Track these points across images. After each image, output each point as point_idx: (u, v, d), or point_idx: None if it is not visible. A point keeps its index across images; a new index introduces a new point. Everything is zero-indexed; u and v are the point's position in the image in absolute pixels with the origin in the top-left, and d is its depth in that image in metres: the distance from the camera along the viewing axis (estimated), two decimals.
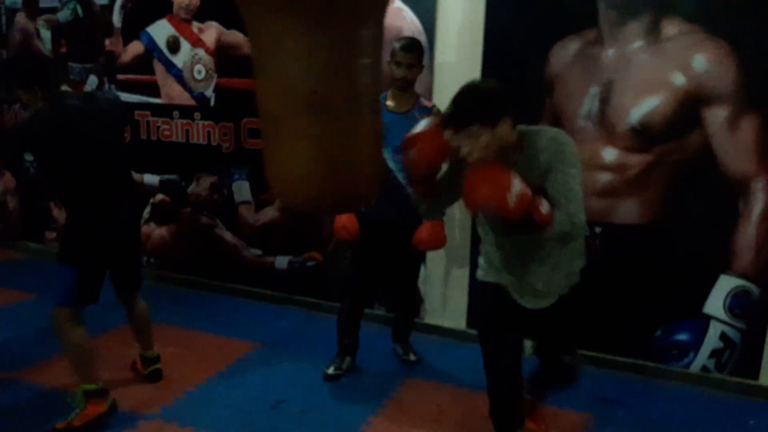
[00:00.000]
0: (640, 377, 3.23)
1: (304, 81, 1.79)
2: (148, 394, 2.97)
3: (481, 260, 2.26)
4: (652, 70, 2.97)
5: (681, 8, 2.91)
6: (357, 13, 1.81)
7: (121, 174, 2.79)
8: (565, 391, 2.57)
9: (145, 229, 4.48)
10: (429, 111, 2.98)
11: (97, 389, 2.67)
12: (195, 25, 4.08)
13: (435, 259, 3.63)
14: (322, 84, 1.78)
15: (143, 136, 4.35)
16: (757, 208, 2.92)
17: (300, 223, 3.99)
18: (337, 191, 1.92)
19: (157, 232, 4.51)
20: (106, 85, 4.48)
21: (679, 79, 2.93)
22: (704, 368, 3.13)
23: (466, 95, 1.88)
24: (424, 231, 2.95)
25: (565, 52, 3.15)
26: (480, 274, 2.25)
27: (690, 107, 2.93)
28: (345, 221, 2.99)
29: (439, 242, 3.02)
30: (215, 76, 4.08)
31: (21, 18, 4.81)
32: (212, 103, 4.11)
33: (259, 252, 4.19)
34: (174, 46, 4.14)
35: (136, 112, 4.32)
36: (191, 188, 4.32)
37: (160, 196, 4.42)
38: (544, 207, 1.79)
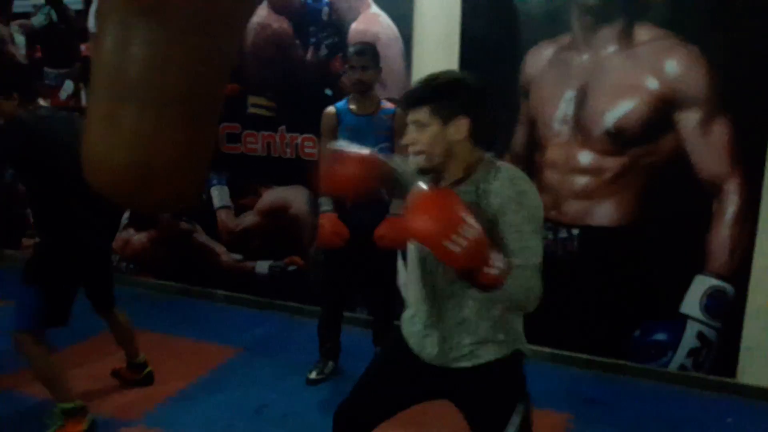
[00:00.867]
0: (620, 377, 3.28)
1: (123, 67, 1.87)
2: (130, 400, 2.96)
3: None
4: (626, 75, 3.02)
5: (653, 14, 2.96)
6: (200, 19, 1.88)
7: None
8: (544, 392, 2.59)
9: (123, 234, 4.45)
10: (393, 111, 3.02)
11: (75, 407, 2.60)
12: None
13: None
14: (145, 76, 1.85)
15: None
16: (730, 210, 2.98)
17: (281, 227, 3.99)
18: (133, 184, 1.97)
19: (136, 237, 4.47)
20: (83, 90, 4.44)
21: (652, 84, 2.98)
22: (682, 367, 3.19)
23: (429, 77, 1.60)
24: (383, 226, 2.90)
25: (540, 57, 3.19)
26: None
27: (663, 111, 2.98)
28: (334, 227, 2.93)
29: (399, 239, 2.89)
30: None
31: None
32: None
33: (239, 257, 4.18)
34: None
35: None
36: None
37: None
38: (496, 265, 1.38)
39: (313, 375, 3.20)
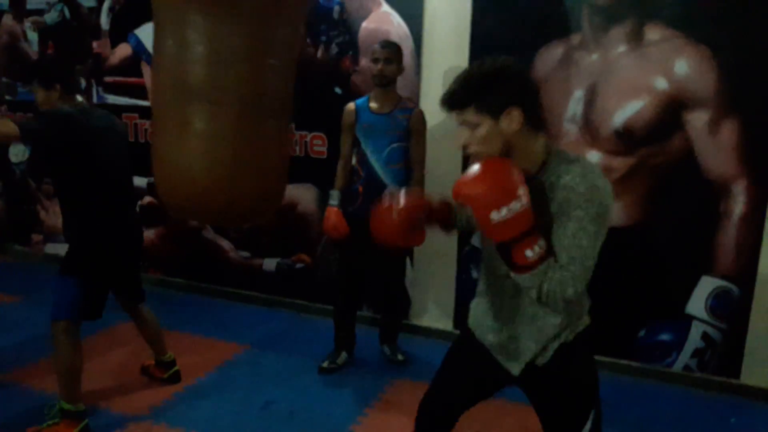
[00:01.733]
0: (624, 377, 3.28)
1: (197, 69, 1.75)
2: (138, 395, 2.98)
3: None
4: (635, 75, 3.03)
5: (663, 14, 2.97)
6: (265, 8, 1.77)
7: (129, 188, 2.80)
8: None
9: None
10: (411, 111, 3.07)
11: (75, 411, 2.60)
12: None
13: (422, 260, 3.66)
14: (214, 74, 1.72)
15: (131, 139, 4.35)
16: (737, 210, 2.98)
17: (288, 225, 4.01)
18: (221, 194, 1.82)
19: (145, 234, 4.49)
20: (94, 87, 4.47)
21: (661, 84, 2.99)
22: (687, 367, 3.19)
23: (466, 73, 1.49)
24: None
25: (550, 57, 3.20)
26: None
27: (672, 111, 2.99)
28: (334, 221, 3.04)
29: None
30: None
31: (8, 20, 4.80)
32: None
33: (247, 254, 4.20)
34: None
35: (124, 115, 4.32)
36: None
37: (147, 199, 4.42)
38: (534, 250, 1.39)
39: (325, 364, 3.25)
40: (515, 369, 1.66)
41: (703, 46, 2.91)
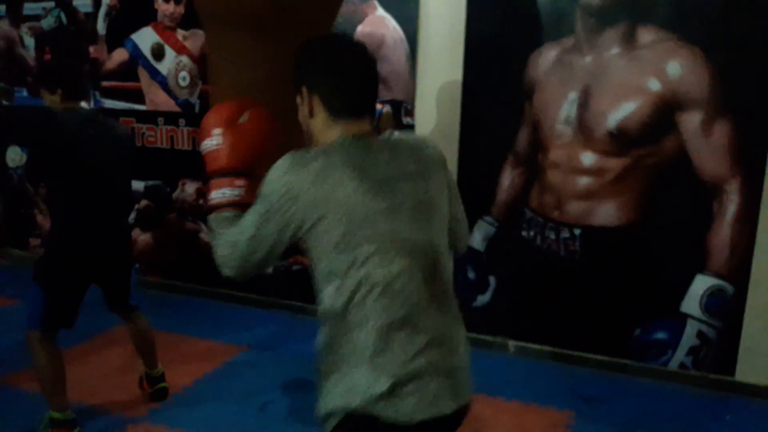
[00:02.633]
0: (621, 375, 3.30)
1: (250, 87, 1.89)
2: (136, 397, 2.99)
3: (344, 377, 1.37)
4: (629, 76, 3.06)
5: (656, 16, 3.00)
6: (300, 29, 1.93)
7: (119, 197, 2.72)
8: (546, 389, 2.62)
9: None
10: (379, 113, 3.09)
11: (64, 419, 2.56)
12: (179, 33, 4.11)
13: None
14: (265, 91, 1.86)
15: None
16: (730, 210, 3.01)
17: None
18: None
19: (142, 237, 4.52)
20: (91, 92, 4.49)
21: (654, 85, 3.02)
22: (682, 365, 3.21)
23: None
24: None
25: (544, 59, 3.23)
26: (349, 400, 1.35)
27: (665, 112, 3.01)
28: None
29: None
30: (200, 82, 4.11)
31: (4, 25, 4.81)
32: (197, 109, 4.14)
33: None
34: (158, 53, 4.17)
35: (122, 119, 4.33)
36: (176, 194, 4.34)
37: (144, 202, 4.43)
38: (223, 193, 1.45)
39: None
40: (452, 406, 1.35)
41: (695, 48, 2.94)
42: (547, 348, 3.43)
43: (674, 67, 2.99)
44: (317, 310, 1.42)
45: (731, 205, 3.01)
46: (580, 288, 3.31)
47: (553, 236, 3.30)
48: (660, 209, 3.12)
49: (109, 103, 4.41)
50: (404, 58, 3.49)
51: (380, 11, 3.53)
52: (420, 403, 1.29)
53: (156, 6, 4.12)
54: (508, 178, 3.38)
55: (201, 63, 4.07)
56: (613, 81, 3.09)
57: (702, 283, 3.11)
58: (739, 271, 3.04)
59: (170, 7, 4.09)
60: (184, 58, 4.11)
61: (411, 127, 3.54)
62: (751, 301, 3.05)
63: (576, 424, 2.85)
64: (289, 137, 1.64)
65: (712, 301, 3.10)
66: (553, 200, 3.26)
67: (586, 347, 3.37)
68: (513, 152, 3.34)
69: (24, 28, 4.73)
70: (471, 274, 3.55)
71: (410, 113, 3.55)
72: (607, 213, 3.20)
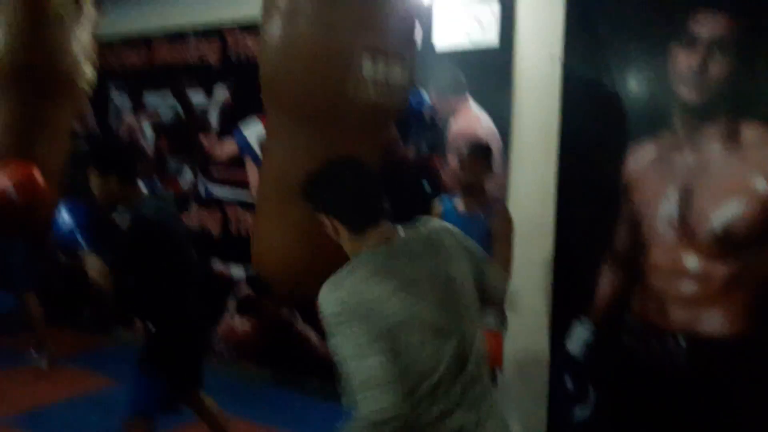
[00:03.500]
0: None
1: (293, 172, 2.02)
2: None
3: None
4: (733, 175, 2.93)
5: (761, 112, 2.88)
6: (350, 126, 2.06)
7: (197, 273, 2.81)
8: None
9: (229, 322, 4.64)
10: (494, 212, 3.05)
11: None
12: None
13: (509, 367, 3.49)
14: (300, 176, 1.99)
15: (233, 230, 4.60)
16: None
17: None
18: (311, 277, 1.98)
19: (240, 325, 4.65)
20: (200, 179, 4.80)
21: (762, 185, 2.87)
22: None
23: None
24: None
25: (641, 156, 3.16)
26: None
27: None
28: None
29: (495, 357, 2.70)
30: None
31: (128, 117, 5.28)
32: None
33: None
34: None
35: (227, 206, 4.59)
36: None
37: (245, 291, 4.59)
38: None
39: None
40: None
41: None
42: None
43: None
44: None
45: None
46: (688, 403, 3.07)
47: (656, 345, 3.12)
48: None
49: (217, 191, 4.68)
50: (497, 154, 3.52)
51: (473, 108, 3.60)
52: None
53: None
54: (606, 279, 3.26)
55: None
56: (717, 180, 2.96)
57: None
58: None
59: None
60: None
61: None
62: None
63: None
64: None
65: None
66: (655, 305, 3.10)
67: None
68: (611, 252, 3.24)
69: (145, 120, 5.17)
70: (569, 384, 3.38)
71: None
72: (716, 321, 2.99)
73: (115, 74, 5.22)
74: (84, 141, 4.89)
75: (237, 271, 4.60)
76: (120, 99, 5.32)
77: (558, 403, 3.43)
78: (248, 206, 4.52)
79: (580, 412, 3.34)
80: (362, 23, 2.09)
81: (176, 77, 4.91)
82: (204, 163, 4.79)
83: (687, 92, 3.02)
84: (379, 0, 2.17)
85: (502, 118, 3.52)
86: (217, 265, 4.68)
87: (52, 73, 2.97)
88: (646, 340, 3.15)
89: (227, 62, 4.61)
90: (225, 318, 4.62)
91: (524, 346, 3.51)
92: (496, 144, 3.52)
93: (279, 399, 4.25)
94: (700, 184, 3.00)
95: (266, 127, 2.27)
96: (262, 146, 4.31)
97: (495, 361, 2.76)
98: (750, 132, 2.91)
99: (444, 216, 3.09)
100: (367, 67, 2.06)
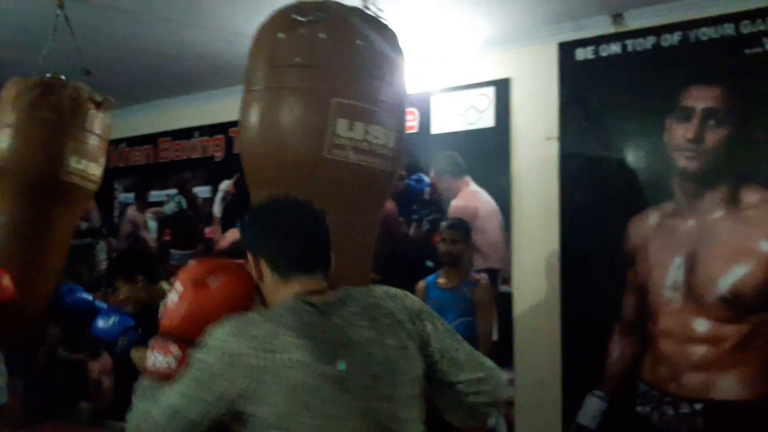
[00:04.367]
0: None
1: None
2: None
3: None
4: (737, 239, 2.94)
5: (759, 177, 2.94)
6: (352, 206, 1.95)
7: None
8: None
9: None
10: (477, 284, 3.14)
11: None
12: None
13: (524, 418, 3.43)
14: None
15: None
16: None
17: None
18: None
19: None
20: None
21: (766, 247, 2.88)
22: None
23: None
24: None
25: (643, 225, 3.19)
26: None
27: None
28: None
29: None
30: None
31: (132, 211, 5.35)
32: None
33: None
34: None
35: None
36: None
37: None
38: (157, 359, 1.38)
39: None
40: None
41: None
42: None
43: None
44: None
45: None
46: None
47: (671, 412, 3.01)
48: None
49: None
50: (498, 229, 3.56)
51: (473, 186, 3.67)
52: None
53: None
54: (616, 349, 3.20)
55: None
56: (721, 244, 2.97)
57: None
58: None
59: None
60: None
61: (508, 295, 3.51)
62: None
63: None
64: None
65: None
66: (668, 372, 3.03)
67: None
68: (620, 321, 3.20)
69: (148, 213, 5.24)
70: None
71: (507, 282, 3.53)
72: (730, 385, 2.91)
73: (120, 171, 5.35)
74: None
75: None
76: (125, 195, 5.43)
77: None
78: None
79: None
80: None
81: (180, 172, 5.04)
82: (207, 253, 4.80)
83: (684, 161, 3.09)
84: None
85: (503, 195, 3.58)
86: None
87: (57, 176, 2.97)
88: (660, 408, 3.05)
89: (231, 156, 4.73)
90: None
91: (537, 420, 3.39)
92: (497, 220, 3.57)
93: None
94: (703, 249, 3.01)
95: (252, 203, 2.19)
96: None
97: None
98: (750, 196, 2.95)
99: (426, 290, 3.12)
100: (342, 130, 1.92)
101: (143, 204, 5.30)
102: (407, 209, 3.88)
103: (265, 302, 1.39)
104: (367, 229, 2.07)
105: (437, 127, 3.82)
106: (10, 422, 4.33)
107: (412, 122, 3.78)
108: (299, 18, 1.86)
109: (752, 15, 2.96)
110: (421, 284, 3.24)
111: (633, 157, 3.26)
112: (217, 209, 4.79)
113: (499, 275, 3.54)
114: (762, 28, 2.95)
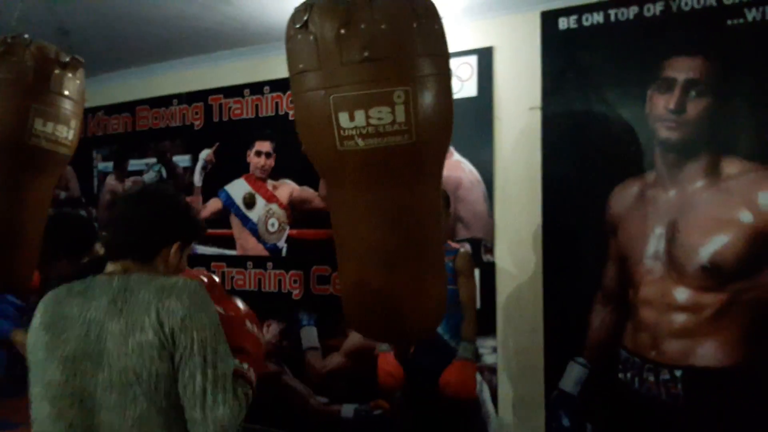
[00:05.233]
0: None
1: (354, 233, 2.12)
2: None
3: None
4: (717, 209, 2.98)
5: (739, 148, 2.96)
6: (407, 183, 2.06)
7: None
8: None
9: None
10: (456, 252, 3.03)
11: None
12: (270, 183, 4.38)
13: (506, 407, 3.50)
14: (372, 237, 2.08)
15: (228, 286, 4.54)
16: None
17: (366, 369, 3.96)
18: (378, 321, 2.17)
19: None
20: None
21: (746, 217, 2.92)
22: None
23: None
24: (452, 372, 2.79)
25: (625, 195, 3.21)
26: None
27: (761, 243, 2.88)
28: (390, 368, 2.92)
29: (468, 386, 2.81)
30: (287, 228, 4.30)
31: (111, 180, 5.27)
32: (284, 253, 4.30)
33: (325, 400, 4.14)
34: (250, 202, 4.44)
35: (213, 263, 4.54)
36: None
37: None
38: None
39: None
40: None
41: None
42: None
43: (765, 197, 2.89)
44: None
45: None
46: None
47: (652, 378, 3.09)
48: None
49: (202, 249, 4.64)
50: (482, 199, 3.56)
51: (456, 156, 3.65)
52: None
53: (248, 159, 4.44)
54: (598, 317, 3.25)
55: (289, 210, 4.28)
56: (701, 214, 3.01)
57: None
58: None
59: (262, 160, 4.39)
60: (274, 206, 4.35)
61: (491, 264, 3.53)
62: None
63: None
64: None
65: None
66: (649, 339, 3.09)
67: None
68: (601, 289, 3.24)
69: (128, 183, 5.16)
70: (565, 421, 3.33)
71: (490, 251, 3.55)
72: (709, 352, 2.98)
73: (99, 140, 5.26)
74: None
75: None
76: (103, 164, 5.34)
77: None
78: (235, 262, 4.49)
79: None
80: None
81: (159, 141, 4.96)
82: None
83: (666, 132, 3.11)
84: None
85: (486, 165, 3.57)
86: None
87: (23, 140, 2.85)
88: (641, 374, 3.12)
89: (210, 124, 4.66)
90: None
91: (520, 387, 3.45)
92: (480, 190, 3.57)
93: None
94: (684, 219, 3.05)
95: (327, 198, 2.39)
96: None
97: (468, 391, 2.76)
98: (730, 167, 2.98)
99: None
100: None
101: (122, 173, 5.22)
102: None
103: None
104: (418, 203, 2.13)
105: None
106: None
107: None
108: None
109: None
110: None
111: (615, 127, 3.26)
112: (197, 178, 4.73)
113: (483, 245, 3.55)
114: None
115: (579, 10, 3.33)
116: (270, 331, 4.37)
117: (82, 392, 1.33)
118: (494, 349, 3.51)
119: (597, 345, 3.25)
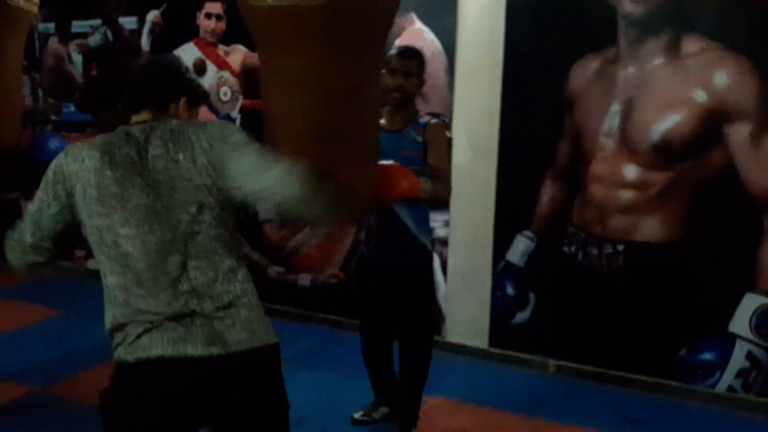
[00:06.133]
0: (664, 397, 3.19)
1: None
2: None
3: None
4: (673, 87, 2.98)
5: (701, 25, 2.92)
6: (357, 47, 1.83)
7: None
8: (588, 410, 2.54)
9: None
10: (425, 125, 2.51)
11: None
12: (221, 48, 4.18)
13: (456, 277, 3.64)
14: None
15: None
16: None
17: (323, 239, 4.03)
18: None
19: None
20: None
21: (700, 96, 2.93)
22: (730, 388, 3.08)
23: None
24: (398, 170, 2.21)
25: (584, 71, 3.17)
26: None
27: (712, 124, 2.92)
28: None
29: (411, 179, 2.21)
30: (241, 97, 4.16)
31: (53, 43, 4.97)
32: (237, 123, 4.20)
33: (282, 270, 4.23)
34: (200, 68, 4.25)
35: None
36: None
37: None
38: None
39: (357, 415, 2.94)
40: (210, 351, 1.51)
41: (743, 58, 2.84)
42: (588, 368, 3.33)
43: (721, 78, 2.90)
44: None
45: None
46: (623, 306, 3.22)
47: (595, 252, 3.22)
48: (707, 225, 3.01)
49: None
50: (442, 71, 3.48)
51: (418, 24, 3.52)
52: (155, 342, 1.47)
53: (198, 22, 4.20)
54: (548, 192, 3.32)
55: (242, 78, 4.13)
56: (657, 92, 3.01)
57: (752, 302, 2.98)
58: None
59: (212, 23, 4.16)
60: (226, 74, 4.18)
61: (448, 140, 3.51)
62: None
63: None
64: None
65: (763, 320, 2.97)
66: (595, 215, 3.19)
67: (629, 367, 3.26)
68: (553, 166, 3.28)
69: (72, 45, 4.88)
70: (510, 290, 3.48)
71: (447, 126, 3.52)
72: (651, 228, 3.11)
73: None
74: None
75: None
76: (44, 25, 5.00)
77: (500, 308, 3.54)
78: None
79: (520, 316, 3.49)
80: None
81: (105, 2, 4.64)
82: None
83: (630, 6, 3.03)
84: None
85: (448, 35, 3.46)
86: None
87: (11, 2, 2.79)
88: (585, 248, 3.26)
89: None
90: None
91: (469, 257, 3.56)
92: (441, 61, 3.48)
93: None
94: (641, 97, 3.05)
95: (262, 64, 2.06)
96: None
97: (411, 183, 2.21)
98: (690, 45, 2.95)
99: None
100: None
101: (65, 35, 4.91)
102: None
103: None
104: (338, 76, 1.84)
105: None
106: None
107: None
108: None
109: None
110: None
111: (580, 0, 3.16)
112: (145, 42, 4.49)
113: (441, 119, 3.49)
114: None
115: None
116: None
117: (165, 212, 1.52)
118: (446, 223, 3.58)
119: (545, 219, 3.35)
